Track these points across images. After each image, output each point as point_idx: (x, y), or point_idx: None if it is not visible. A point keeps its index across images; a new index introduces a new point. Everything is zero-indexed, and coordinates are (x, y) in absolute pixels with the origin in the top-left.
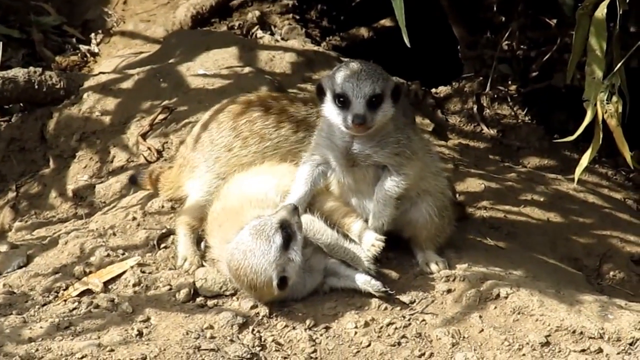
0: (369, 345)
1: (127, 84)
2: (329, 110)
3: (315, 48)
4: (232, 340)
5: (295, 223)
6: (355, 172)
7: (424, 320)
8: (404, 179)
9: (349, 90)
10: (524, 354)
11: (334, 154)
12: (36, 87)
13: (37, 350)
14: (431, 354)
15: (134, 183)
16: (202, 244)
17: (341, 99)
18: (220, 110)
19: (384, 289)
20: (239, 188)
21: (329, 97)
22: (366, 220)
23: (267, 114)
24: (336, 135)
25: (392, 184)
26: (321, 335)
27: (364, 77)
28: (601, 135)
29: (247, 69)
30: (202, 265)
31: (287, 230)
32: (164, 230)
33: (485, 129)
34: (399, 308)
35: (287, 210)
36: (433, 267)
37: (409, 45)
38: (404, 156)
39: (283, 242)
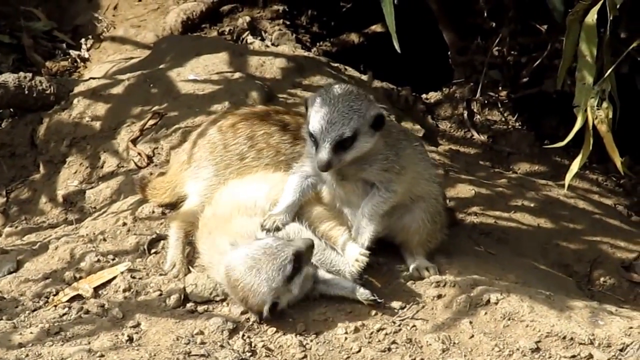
0: (359, 350)
1: (117, 90)
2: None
3: (306, 53)
4: (222, 346)
5: (306, 258)
6: (345, 185)
7: (414, 325)
8: (392, 196)
9: (317, 133)
10: None
11: (324, 173)
12: (26, 92)
13: (27, 355)
14: None
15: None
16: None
17: (312, 138)
18: (236, 116)
19: (372, 297)
20: (230, 195)
21: (306, 125)
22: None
23: (285, 129)
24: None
25: (379, 200)
26: (311, 340)
27: (334, 119)
28: (591, 141)
29: (237, 75)
30: (190, 272)
31: (299, 264)
32: (154, 236)
33: (475, 135)
34: (389, 314)
35: (305, 244)
36: (423, 272)
37: (399, 50)
38: (392, 172)
39: (290, 275)
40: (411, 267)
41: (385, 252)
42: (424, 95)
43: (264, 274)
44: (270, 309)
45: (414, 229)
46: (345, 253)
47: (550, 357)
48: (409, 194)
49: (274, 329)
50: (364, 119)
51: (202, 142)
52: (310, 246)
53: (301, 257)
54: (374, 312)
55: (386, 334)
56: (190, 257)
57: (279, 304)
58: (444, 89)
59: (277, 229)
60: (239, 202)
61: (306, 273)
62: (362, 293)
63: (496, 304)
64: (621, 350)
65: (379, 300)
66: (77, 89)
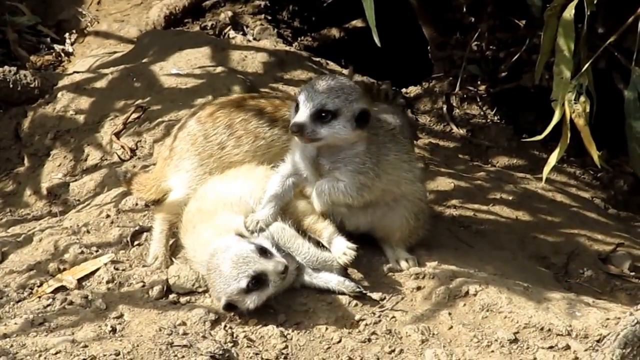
0: (339, 341)
1: (101, 84)
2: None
3: (287, 48)
4: (204, 337)
5: (273, 281)
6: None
7: (394, 317)
8: (358, 198)
9: (301, 98)
10: (492, 351)
11: (304, 163)
12: (11, 86)
13: (11, 346)
14: (401, 350)
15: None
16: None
17: (296, 106)
18: (214, 106)
19: (358, 289)
20: (216, 190)
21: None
22: (338, 227)
23: (262, 114)
24: (305, 147)
25: (337, 191)
26: (292, 331)
27: (321, 89)
28: (569, 135)
29: (219, 69)
30: (172, 263)
31: (258, 283)
32: (137, 228)
33: (454, 129)
34: (369, 305)
35: (274, 269)
36: (403, 264)
37: (379, 45)
38: (367, 177)
39: (246, 288)
40: (391, 259)
41: (364, 244)
42: (404, 90)
43: (222, 277)
44: (226, 307)
45: (396, 227)
46: (332, 247)
47: (528, 348)
48: (389, 194)
49: (255, 320)
50: (350, 106)
51: (183, 135)
52: (281, 272)
53: (262, 279)
54: (354, 303)
55: (366, 324)
56: (173, 249)
57: (236, 307)
58: (424, 83)
59: (261, 229)
60: (224, 197)
61: (272, 292)
62: (348, 286)
63: (475, 295)
64: (598, 341)
65: (364, 292)
66: (61, 83)
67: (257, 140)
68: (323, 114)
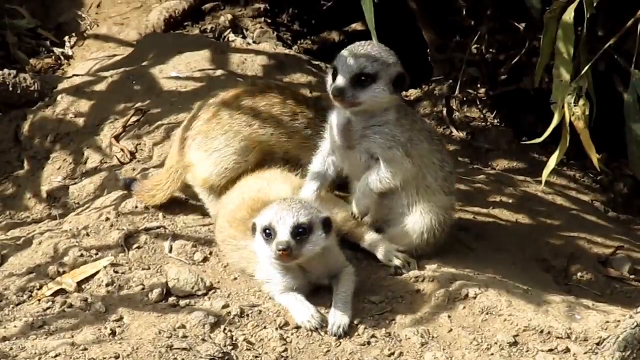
0: (339, 344)
1: (100, 87)
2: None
3: (287, 51)
4: (204, 340)
5: (289, 248)
6: (351, 156)
7: (393, 320)
8: (389, 177)
9: (340, 63)
10: (492, 354)
11: (336, 130)
12: (11, 89)
13: (11, 349)
14: (401, 354)
15: (127, 188)
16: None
17: (334, 72)
18: (237, 89)
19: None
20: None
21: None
22: (377, 230)
23: (285, 103)
24: (339, 114)
25: (375, 179)
26: (292, 334)
27: (360, 54)
28: (569, 138)
29: (219, 72)
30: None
31: (269, 233)
32: (127, 231)
33: (454, 132)
34: (369, 308)
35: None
36: (396, 260)
37: None
38: (396, 151)
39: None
40: (383, 257)
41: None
42: (403, 93)
43: None
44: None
45: (409, 236)
46: (378, 251)
47: (527, 351)
48: (411, 188)
49: (255, 323)
50: (388, 70)
51: (206, 115)
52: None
53: (271, 230)
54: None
55: (366, 328)
56: None
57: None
58: (424, 87)
59: None
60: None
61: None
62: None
63: (475, 298)
64: (598, 344)
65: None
66: (61, 86)
67: (280, 127)
68: (363, 78)
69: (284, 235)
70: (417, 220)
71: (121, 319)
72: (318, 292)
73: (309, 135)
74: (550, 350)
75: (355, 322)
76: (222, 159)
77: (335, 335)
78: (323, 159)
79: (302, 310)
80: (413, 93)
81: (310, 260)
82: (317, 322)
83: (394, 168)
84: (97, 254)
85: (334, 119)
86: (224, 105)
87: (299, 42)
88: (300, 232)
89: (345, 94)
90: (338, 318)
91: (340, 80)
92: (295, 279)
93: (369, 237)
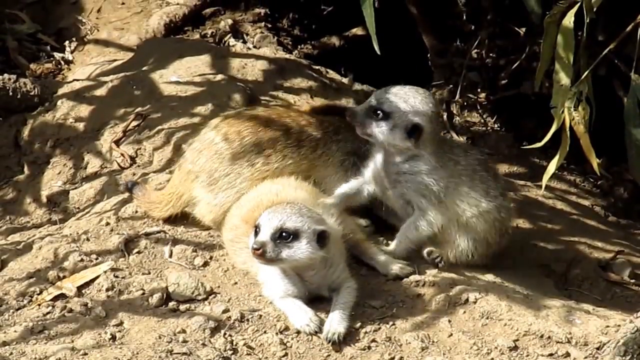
0: (340, 349)
1: (100, 91)
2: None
3: (287, 56)
4: (204, 344)
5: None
6: (389, 197)
7: (393, 324)
8: (425, 227)
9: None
10: (492, 358)
11: (373, 169)
12: (10, 94)
13: (11, 353)
14: (401, 358)
15: (129, 191)
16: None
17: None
18: (239, 120)
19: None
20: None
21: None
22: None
23: (289, 133)
24: (376, 154)
25: (413, 229)
26: (292, 338)
27: (389, 92)
28: (568, 142)
29: (219, 77)
30: None
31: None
32: (126, 236)
33: (455, 136)
34: (369, 312)
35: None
36: (395, 268)
37: (378, 52)
38: (429, 199)
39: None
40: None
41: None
42: None
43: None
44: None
45: (460, 259)
46: (375, 264)
47: (527, 356)
48: (451, 225)
49: (255, 328)
50: (407, 114)
51: (209, 153)
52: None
53: (259, 229)
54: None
55: (366, 332)
56: None
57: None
58: None
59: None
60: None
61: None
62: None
63: (475, 303)
64: (598, 348)
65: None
66: (61, 91)
67: (285, 159)
68: (380, 110)
69: (262, 235)
70: (462, 246)
71: (121, 323)
72: (319, 299)
73: (319, 155)
74: (550, 355)
75: (356, 327)
76: (227, 198)
77: (329, 341)
78: (358, 185)
79: (300, 314)
80: None
81: (299, 268)
82: (316, 325)
83: (429, 217)
84: (97, 259)
85: (376, 156)
86: (226, 140)
87: (299, 46)
88: (283, 236)
89: (356, 117)
90: (334, 326)
91: (361, 106)
92: (293, 285)
93: (371, 251)
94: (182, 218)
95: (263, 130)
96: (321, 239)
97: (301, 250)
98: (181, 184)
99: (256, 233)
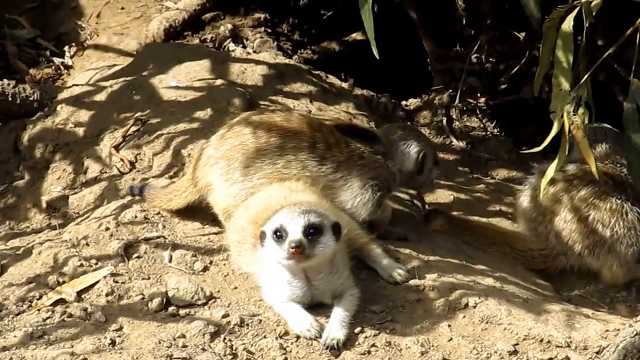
0: (339, 354)
1: (100, 97)
2: None
3: (287, 61)
4: (203, 349)
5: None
6: None
7: (393, 329)
8: None
9: None
10: None
11: None
12: (10, 99)
13: (11, 359)
14: None
15: (135, 195)
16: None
17: None
18: (272, 118)
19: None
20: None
21: None
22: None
23: (314, 148)
24: None
25: None
26: (292, 343)
27: None
28: (567, 147)
29: (219, 81)
30: None
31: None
32: (126, 241)
33: (454, 141)
34: (369, 317)
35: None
36: (396, 275)
37: (377, 57)
38: None
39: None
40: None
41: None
42: (403, 102)
43: None
44: None
45: None
46: (378, 268)
47: None
48: None
49: (255, 332)
50: None
51: (234, 142)
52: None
53: (282, 231)
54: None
55: (366, 337)
56: None
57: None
58: (423, 96)
59: None
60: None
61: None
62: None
63: (474, 307)
64: (597, 352)
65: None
66: (60, 96)
67: (304, 171)
68: None
69: (295, 233)
70: None
71: (121, 328)
72: (320, 306)
73: (338, 178)
74: (550, 359)
75: (356, 331)
76: (241, 191)
77: (327, 347)
78: None
79: (300, 319)
80: (413, 102)
81: (315, 268)
82: (316, 330)
83: None
84: (96, 264)
85: None
86: (254, 134)
87: (299, 51)
88: (312, 232)
89: None
90: (333, 332)
91: None
92: (299, 290)
93: (374, 253)
94: (181, 219)
95: (291, 136)
96: (336, 231)
97: (328, 243)
98: (200, 169)
99: (280, 236)
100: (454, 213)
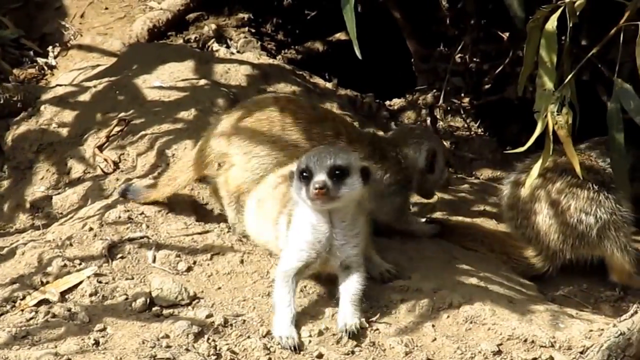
0: (322, 354)
1: (84, 97)
2: None
3: (270, 61)
4: (187, 349)
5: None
6: None
7: (377, 329)
8: None
9: None
10: None
11: None
12: None
13: None
14: None
15: (128, 196)
16: None
17: None
18: (300, 103)
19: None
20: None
21: None
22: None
23: (338, 135)
24: None
25: None
26: (276, 343)
27: None
28: (551, 147)
29: (202, 82)
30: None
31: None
32: (110, 241)
33: None
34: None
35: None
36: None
37: (359, 56)
38: None
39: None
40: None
41: None
42: (387, 102)
43: None
44: None
45: None
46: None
47: None
48: None
49: (239, 332)
50: None
51: (261, 115)
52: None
53: (308, 172)
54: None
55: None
56: None
57: None
58: (408, 96)
59: None
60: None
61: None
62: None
63: (458, 307)
64: (581, 352)
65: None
66: (44, 96)
67: None
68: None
69: (320, 175)
70: None
71: (104, 328)
72: (316, 304)
73: None
74: (534, 359)
75: (341, 334)
76: (259, 166)
77: (349, 335)
78: None
79: (283, 324)
80: (397, 102)
81: (344, 212)
82: (292, 344)
83: None
84: (80, 264)
85: None
86: (282, 110)
87: (282, 51)
88: (337, 174)
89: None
90: (348, 319)
91: None
92: (322, 235)
93: (367, 250)
94: (164, 220)
95: (317, 122)
96: (365, 175)
97: (354, 185)
98: (216, 138)
99: (305, 177)
100: (439, 213)
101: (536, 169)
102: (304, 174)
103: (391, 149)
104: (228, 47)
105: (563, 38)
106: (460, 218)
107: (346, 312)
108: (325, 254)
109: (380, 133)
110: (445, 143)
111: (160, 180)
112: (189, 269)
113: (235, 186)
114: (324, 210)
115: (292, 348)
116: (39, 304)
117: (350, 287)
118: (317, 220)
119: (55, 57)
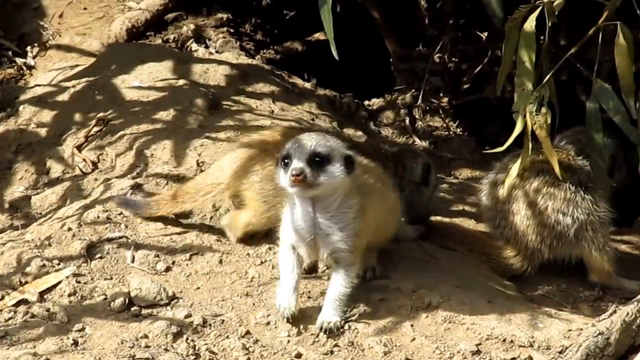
0: (301, 354)
1: (62, 97)
2: None
3: (249, 61)
4: (166, 349)
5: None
6: None
7: (356, 329)
8: None
9: None
10: None
11: None
12: None
13: None
14: None
15: (130, 207)
16: None
17: None
18: None
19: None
20: None
21: None
22: None
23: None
24: None
25: None
26: (254, 343)
27: None
28: (530, 146)
29: (181, 82)
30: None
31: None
32: (89, 241)
33: (417, 141)
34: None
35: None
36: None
37: (336, 57)
38: None
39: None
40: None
41: None
42: (366, 102)
43: None
44: None
45: None
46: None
47: (490, 359)
48: None
49: (217, 333)
50: None
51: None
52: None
53: (289, 159)
54: (315, 315)
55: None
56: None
57: None
58: (386, 96)
59: None
60: None
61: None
62: None
63: (437, 307)
64: (560, 352)
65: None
66: (23, 96)
67: None
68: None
69: (299, 162)
70: None
71: (83, 328)
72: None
73: None
74: (513, 359)
75: (318, 331)
76: (270, 209)
77: (324, 332)
78: None
79: (284, 293)
80: (376, 102)
81: (326, 200)
82: (287, 314)
83: None
84: (59, 264)
85: None
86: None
87: (261, 51)
88: (317, 161)
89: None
90: (327, 316)
91: None
92: (304, 222)
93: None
94: (143, 220)
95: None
96: (349, 163)
97: (335, 174)
98: (238, 177)
99: (286, 164)
100: None
101: (515, 168)
102: (285, 160)
103: (390, 160)
104: (207, 47)
105: (542, 38)
106: (439, 218)
107: (327, 309)
108: (311, 241)
109: (386, 147)
110: (424, 143)
111: (166, 194)
112: (168, 269)
113: (243, 224)
114: (305, 197)
115: (287, 319)
116: (18, 304)
117: (335, 285)
118: (301, 206)
119: (34, 57)
